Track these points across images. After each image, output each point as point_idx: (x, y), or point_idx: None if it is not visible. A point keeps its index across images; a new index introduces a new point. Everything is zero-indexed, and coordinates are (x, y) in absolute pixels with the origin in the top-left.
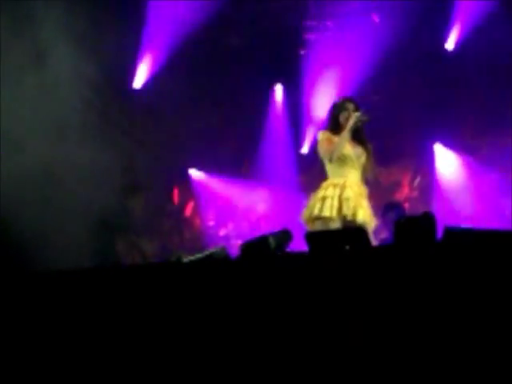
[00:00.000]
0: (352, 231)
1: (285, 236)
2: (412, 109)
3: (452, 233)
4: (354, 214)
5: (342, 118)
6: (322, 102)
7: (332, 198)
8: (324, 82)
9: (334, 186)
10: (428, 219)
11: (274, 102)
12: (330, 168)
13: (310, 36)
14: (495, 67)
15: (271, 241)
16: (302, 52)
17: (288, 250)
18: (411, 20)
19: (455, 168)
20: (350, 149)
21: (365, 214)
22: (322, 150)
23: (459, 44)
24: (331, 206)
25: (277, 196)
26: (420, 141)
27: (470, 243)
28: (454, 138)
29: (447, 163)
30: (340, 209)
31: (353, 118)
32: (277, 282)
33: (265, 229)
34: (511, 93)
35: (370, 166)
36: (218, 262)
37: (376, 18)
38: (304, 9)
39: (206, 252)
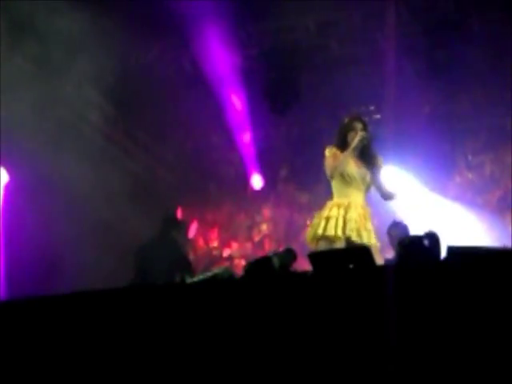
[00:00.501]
0: (356, 250)
1: (289, 256)
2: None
3: (456, 252)
4: (359, 236)
5: (349, 138)
6: (325, 121)
7: (336, 218)
8: (327, 100)
9: (339, 206)
10: (432, 238)
11: (277, 120)
12: (335, 187)
13: (313, 55)
14: (499, 81)
15: (275, 261)
16: (306, 70)
17: (292, 269)
18: (412, 37)
19: (458, 186)
20: (354, 169)
21: (369, 237)
22: (327, 166)
23: (460, 60)
24: (336, 226)
25: (280, 216)
26: None
27: (474, 262)
28: (456, 155)
29: (450, 181)
30: (344, 228)
31: (357, 137)
32: (281, 302)
33: (268, 249)
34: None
35: (379, 181)
36: (222, 283)
37: (379, 37)
38: (305, 28)
39: (210, 273)
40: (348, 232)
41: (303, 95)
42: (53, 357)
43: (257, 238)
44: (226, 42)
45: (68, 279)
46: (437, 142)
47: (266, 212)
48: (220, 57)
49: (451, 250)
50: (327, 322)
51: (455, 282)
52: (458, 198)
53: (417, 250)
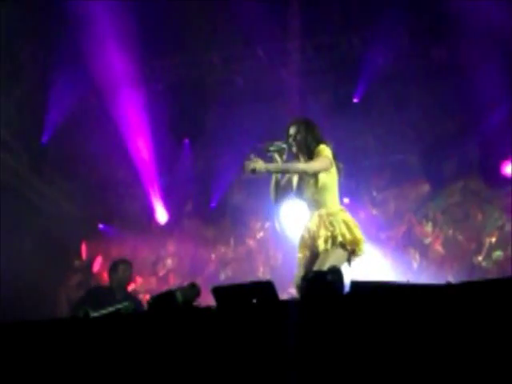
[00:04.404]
0: (259, 285)
1: (192, 290)
2: None
3: (359, 287)
4: (315, 246)
5: (291, 148)
6: (230, 157)
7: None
8: (232, 136)
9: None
10: (335, 274)
11: (182, 155)
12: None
13: (219, 90)
14: (402, 119)
15: (178, 295)
16: (211, 106)
17: (196, 304)
18: (317, 74)
19: (363, 221)
20: (297, 185)
21: (321, 244)
22: None
23: (365, 97)
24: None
25: (185, 250)
26: None
27: (377, 297)
28: (361, 191)
29: (355, 217)
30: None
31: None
32: (183, 337)
33: (173, 283)
34: (417, 144)
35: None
36: (125, 317)
37: (283, 73)
38: (210, 63)
39: (114, 307)
40: (303, 251)
41: (208, 131)
42: None
43: (161, 273)
44: (130, 77)
45: None
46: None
47: (171, 247)
48: (125, 92)
49: (354, 284)
50: (229, 358)
51: (358, 316)
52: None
53: (320, 285)
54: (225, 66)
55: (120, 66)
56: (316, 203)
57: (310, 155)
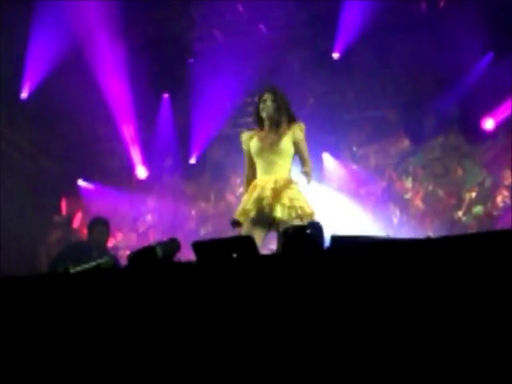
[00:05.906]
0: (239, 240)
1: (172, 246)
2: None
3: (339, 241)
4: (272, 211)
5: (261, 112)
6: (210, 112)
7: (250, 194)
8: (212, 91)
9: (254, 186)
10: (315, 228)
11: (162, 111)
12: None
13: (198, 45)
14: (382, 74)
15: (158, 250)
16: (191, 61)
17: (176, 259)
18: (297, 30)
19: (343, 177)
20: (257, 143)
21: (283, 210)
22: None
23: (345, 52)
24: (248, 200)
25: (165, 206)
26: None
27: (357, 251)
28: (341, 146)
29: (335, 172)
30: (258, 207)
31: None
32: (164, 292)
33: (153, 239)
34: (397, 100)
35: (298, 150)
36: (106, 272)
37: (263, 28)
38: (189, 17)
39: (94, 262)
40: (261, 210)
41: (187, 86)
42: None
43: (141, 229)
44: (109, 32)
45: None
46: (321, 134)
47: (151, 203)
48: (104, 47)
49: (335, 239)
50: (210, 312)
51: (338, 271)
52: (342, 189)
53: (301, 239)
54: (204, 20)
55: (99, 21)
56: (274, 166)
57: (279, 123)
